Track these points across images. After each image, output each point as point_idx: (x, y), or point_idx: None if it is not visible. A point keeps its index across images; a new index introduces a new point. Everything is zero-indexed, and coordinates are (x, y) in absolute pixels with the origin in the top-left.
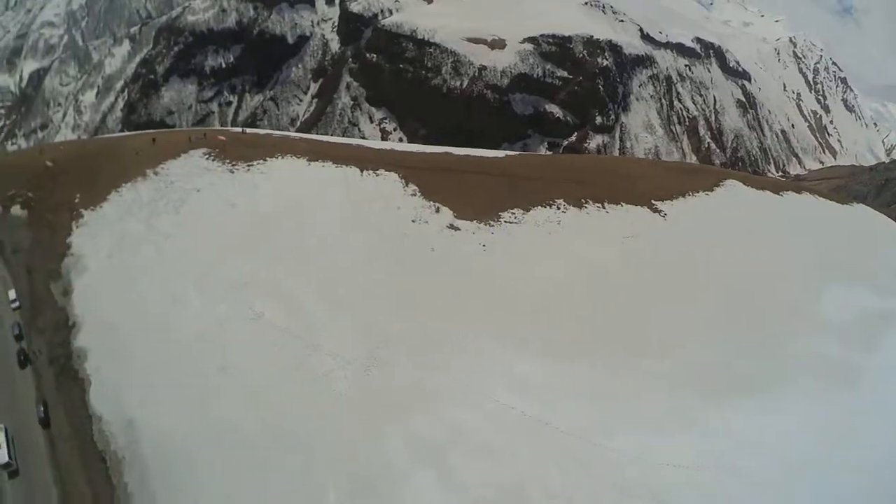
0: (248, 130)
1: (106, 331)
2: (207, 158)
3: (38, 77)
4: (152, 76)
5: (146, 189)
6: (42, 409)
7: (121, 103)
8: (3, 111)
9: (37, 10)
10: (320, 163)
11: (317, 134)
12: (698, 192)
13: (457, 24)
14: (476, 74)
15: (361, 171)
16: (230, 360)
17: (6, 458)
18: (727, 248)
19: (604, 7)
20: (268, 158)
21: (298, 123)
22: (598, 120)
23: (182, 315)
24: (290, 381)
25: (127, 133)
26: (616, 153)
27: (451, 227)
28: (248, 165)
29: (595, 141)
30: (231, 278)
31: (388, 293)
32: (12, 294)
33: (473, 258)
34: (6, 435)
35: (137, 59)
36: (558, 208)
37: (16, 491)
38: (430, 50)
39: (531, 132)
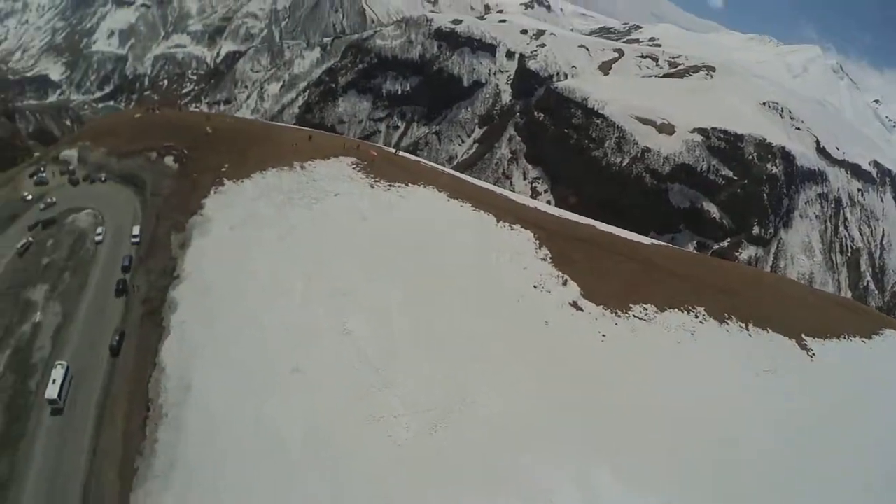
0: (401, 153)
1: (203, 293)
2: (354, 168)
3: (232, 58)
4: (333, 85)
5: (289, 179)
6: (117, 338)
7: (300, 101)
8: (195, 78)
9: (244, 1)
10: (459, 202)
11: (469, 176)
12: (854, 336)
13: (629, 101)
14: (638, 155)
15: (497, 220)
16: (304, 366)
17: (54, 395)
18: (882, 414)
19: (782, 111)
20: (410, 184)
21: (455, 162)
22: (756, 230)
23: (278, 305)
24: (351, 410)
25: (290, 125)
26: (767, 270)
27: (574, 304)
28: (390, 185)
29: (748, 252)
30: (336, 286)
31: (485, 354)
32: (136, 230)
33: (588, 348)
34: (65, 374)
35: (324, 66)
36: (696, 316)
37: (51, 427)
38: (598, 121)
39: (682, 227)
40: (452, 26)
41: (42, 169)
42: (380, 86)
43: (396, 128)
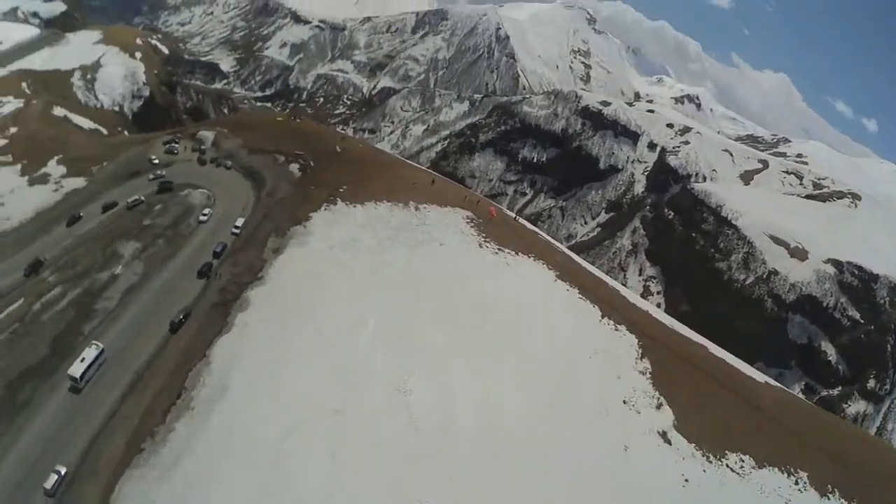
0: (520, 219)
1: (277, 302)
2: (468, 222)
3: (386, 93)
4: (473, 139)
5: (400, 216)
6: (181, 317)
7: (438, 147)
8: (349, 102)
9: (410, 44)
10: (567, 285)
11: (584, 259)
12: None
13: (765, 216)
14: (764, 276)
15: (602, 315)
16: (347, 410)
17: (77, 374)
18: None
19: None
20: (520, 253)
21: (573, 242)
22: (871, 384)
23: (344, 337)
24: (379, 473)
25: (418, 165)
26: (872, 431)
27: (663, 435)
28: (499, 249)
29: (857, 406)
30: (410, 339)
31: (546, 468)
32: (240, 221)
33: (664, 491)
34: (97, 356)
35: (469, 120)
36: (797, 482)
37: (62, 404)
38: (729, 231)
39: (793, 363)
40: (600, 107)
41: (177, 140)
42: (517, 150)
43: (524, 194)
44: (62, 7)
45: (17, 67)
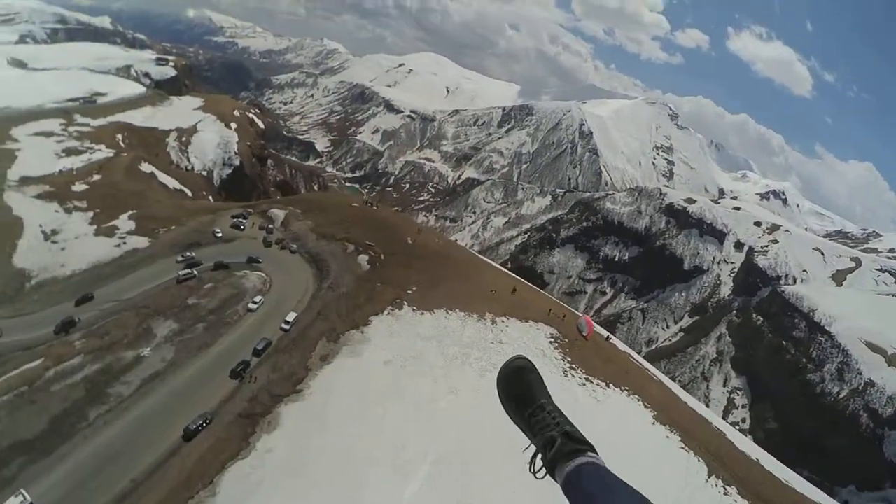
0: (612, 339)
1: (311, 429)
2: (552, 343)
3: (470, 184)
4: (554, 234)
5: (473, 330)
6: (199, 424)
7: (518, 240)
8: (433, 190)
9: (495, 137)
10: (667, 429)
11: (664, 367)
12: None
13: (859, 320)
14: (860, 388)
15: (710, 473)
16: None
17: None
18: None
19: None
20: (611, 385)
21: (654, 346)
22: None
23: (386, 490)
24: None
25: (496, 265)
26: None
27: None
28: (587, 379)
29: None
30: (469, 498)
31: None
32: (291, 317)
33: None
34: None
35: (550, 215)
36: None
37: None
38: (822, 339)
39: (891, 486)
40: (685, 205)
41: (246, 216)
42: (598, 247)
43: (604, 293)
44: (173, 72)
45: (117, 120)
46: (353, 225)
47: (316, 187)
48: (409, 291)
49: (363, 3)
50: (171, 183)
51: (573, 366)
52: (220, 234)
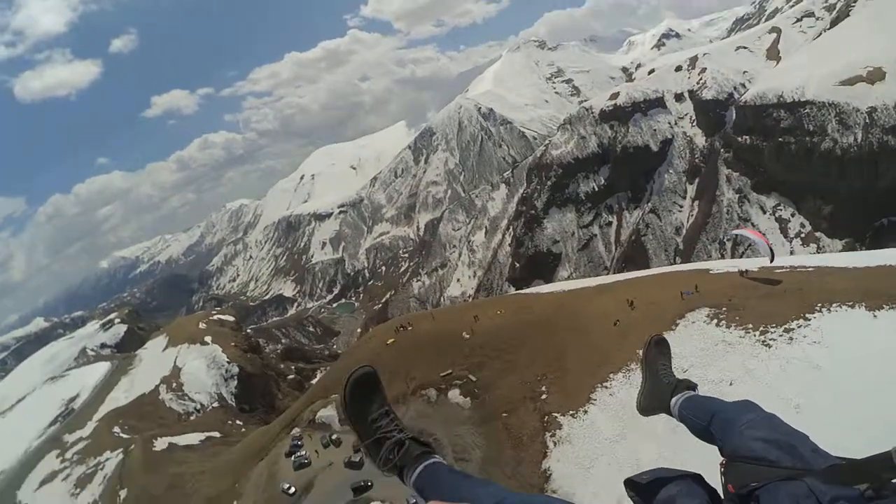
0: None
1: None
2: (717, 324)
3: (433, 226)
4: (533, 211)
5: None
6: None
7: (508, 239)
8: (406, 255)
9: (420, 174)
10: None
11: (707, 242)
12: None
13: (821, 70)
14: (868, 121)
15: None
16: None
17: None
18: None
19: None
20: (806, 317)
21: (684, 231)
22: None
23: None
24: None
25: (567, 285)
26: None
27: None
28: (786, 331)
29: None
30: None
31: None
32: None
33: None
34: None
35: (516, 198)
36: None
37: None
38: (807, 110)
39: None
40: (612, 102)
41: (300, 442)
42: (575, 192)
43: (609, 224)
44: (123, 327)
45: (105, 412)
46: (409, 365)
47: (310, 328)
48: (543, 397)
49: (233, 153)
50: (194, 439)
51: (764, 327)
52: (293, 490)
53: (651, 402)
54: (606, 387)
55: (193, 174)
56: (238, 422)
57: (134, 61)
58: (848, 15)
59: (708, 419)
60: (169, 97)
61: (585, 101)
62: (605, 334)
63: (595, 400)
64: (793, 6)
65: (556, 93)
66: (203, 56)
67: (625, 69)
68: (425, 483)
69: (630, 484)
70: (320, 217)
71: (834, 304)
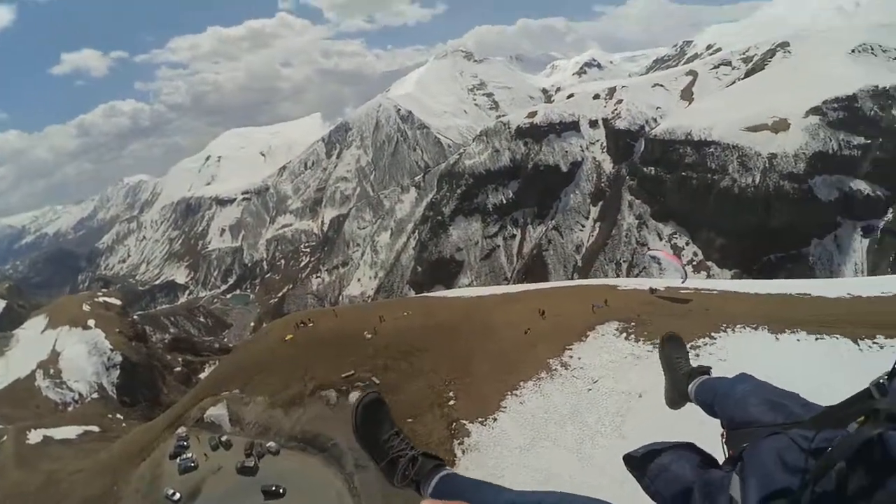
0: (653, 288)
1: None
2: (626, 338)
3: (338, 222)
4: (440, 217)
5: (557, 393)
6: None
7: (412, 242)
8: (308, 250)
9: (331, 169)
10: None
11: (605, 261)
12: None
13: (730, 115)
14: (767, 165)
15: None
16: None
17: None
18: None
19: (872, 49)
20: (712, 335)
21: (584, 249)
22: None
23: None
24: None
25: (477, 290)
26: None
27: None
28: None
29: None
30: None
31: None
32: None
33: None
34: None
35: (424, 202)
36: None
37: None
38: (711, 150)
39: (840, 219)
40: (530, 120)
41: (186, 443)
42: (483, 202)
43: (513, 237)
44: (2, 303)
45: None
46: (307, 364)
47: (201, 318)
48: (450, 403)
49: (140, 124)
50: (71, 432)
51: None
52: (177, 497)
53: (674, 395)
54: (517, 395)
55: (94, 142)
56: (119, 416)
57: (51, 11)
58: (763, 68)
59: (713, 398)
60: (80, 56)
61: (504, 115)
62: (516, 343)
63: (505, 408)
64: (712, 54)
65: (476, 104)
66: (123, 15)
67: (545, 91)
68: (444, 493)
69: (628, 459)
70: (222, 202)
71: (738, 326)
